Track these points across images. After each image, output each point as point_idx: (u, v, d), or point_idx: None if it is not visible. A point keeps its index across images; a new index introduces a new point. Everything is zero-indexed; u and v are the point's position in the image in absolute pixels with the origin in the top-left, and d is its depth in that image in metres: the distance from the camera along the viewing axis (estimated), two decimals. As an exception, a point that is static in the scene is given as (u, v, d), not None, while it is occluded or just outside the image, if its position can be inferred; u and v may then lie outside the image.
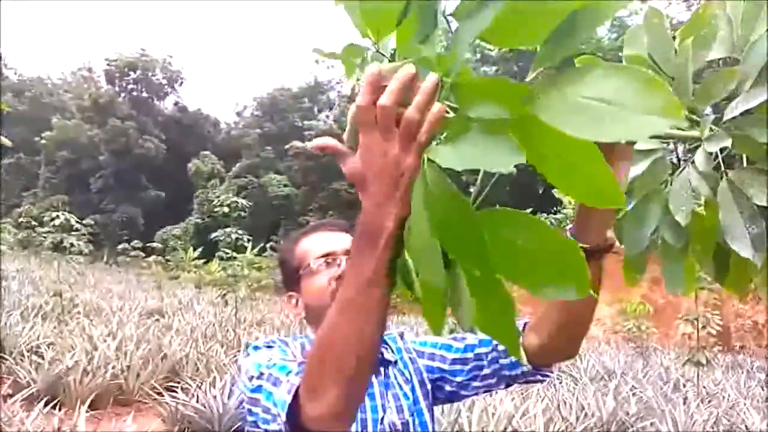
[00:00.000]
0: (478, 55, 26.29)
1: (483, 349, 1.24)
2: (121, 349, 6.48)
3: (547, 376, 1.23)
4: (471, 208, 0.60)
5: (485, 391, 1.29)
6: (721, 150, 0.70)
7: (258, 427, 1.02)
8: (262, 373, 1.04)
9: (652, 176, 0.80)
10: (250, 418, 1.06)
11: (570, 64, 0.63)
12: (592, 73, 0.54)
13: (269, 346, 1.17)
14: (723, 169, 0.72)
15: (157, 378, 6.14)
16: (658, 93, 0.50)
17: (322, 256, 1.25)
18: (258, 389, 1.03)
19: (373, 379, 1.22)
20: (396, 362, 1.28)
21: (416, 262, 0.67)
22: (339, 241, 1.27)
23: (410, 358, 1.31)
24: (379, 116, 0.62)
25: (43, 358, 5.99)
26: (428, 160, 0.63)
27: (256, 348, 1.16)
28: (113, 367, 5.96)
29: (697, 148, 0.73)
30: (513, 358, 1.19)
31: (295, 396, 0.89)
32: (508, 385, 1.27)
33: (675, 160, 0.80)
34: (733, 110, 0.68)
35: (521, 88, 0.55)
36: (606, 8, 0.57)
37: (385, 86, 0.61)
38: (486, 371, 1.23)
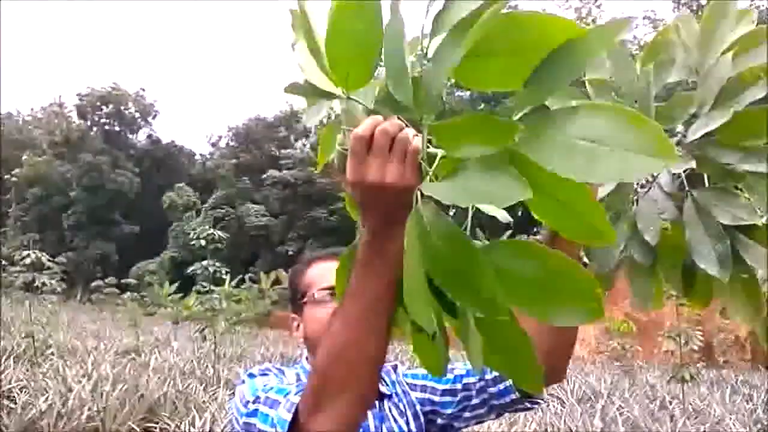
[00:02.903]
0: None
1: (471, 379, 1.23)
2: (97, 390, 6.29)
3: (537, 403, 1.23)
4: (473, 245, 0.57)
5: (477, 422, 1.28)
6: (684, 170, 0.72)
7: None
8: (258, 397, 1.04)
9: (618, 197, 0.81)
10: None
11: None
12: (580, 112, 0.52)
13: (265, 374, 1.17)
14: (687, 189, 0.74)
15: (134, 419, 5.93)
16: (648, 131, 0.48)
17: (327, 288, 1.23)
18: (254, 413, 1.02)
19: (368, 412, 1.21)
20: (391, 396, 1.28)
21: (408, 303, 0.64)
22: None
23: (403, 391, 1.30)
24: (377, 137, 0.64)
25: (15, 403, 5.78)
26: (423, 196, 0.61)
27: (251, 375, 1.16)
28: (89, 409, 5.76)
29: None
30: (501, 386, 1.18)
31: (294, 416, 0.89)
32: (499, 415, 1.26)
33: (642, 181, 0.81)
34: (694, 132, 0.69)
35: (510, 126, 0.53)
36: (591, 46, 0.53)
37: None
38: (475, 401, 1.22)
